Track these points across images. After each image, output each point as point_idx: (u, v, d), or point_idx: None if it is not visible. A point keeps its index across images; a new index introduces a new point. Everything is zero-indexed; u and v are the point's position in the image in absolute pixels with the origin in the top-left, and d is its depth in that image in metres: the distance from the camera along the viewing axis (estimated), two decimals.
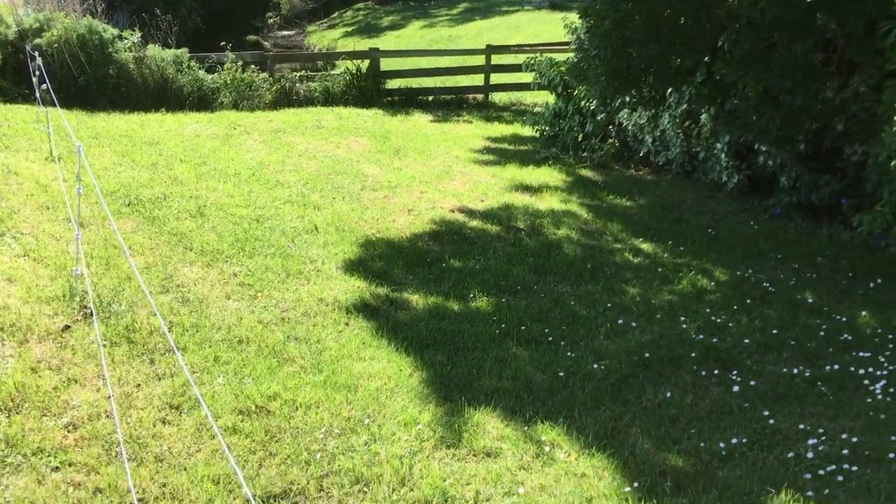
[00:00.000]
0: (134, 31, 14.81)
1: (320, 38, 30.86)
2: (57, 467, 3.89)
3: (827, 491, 4.00)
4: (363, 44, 23.60)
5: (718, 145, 9.88)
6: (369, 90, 15.40)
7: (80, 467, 3.89)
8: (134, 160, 9.87)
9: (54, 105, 11.63)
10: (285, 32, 35.03)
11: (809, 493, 3.97)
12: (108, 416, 4.33)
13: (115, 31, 14.56)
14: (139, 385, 4.69)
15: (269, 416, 4.46)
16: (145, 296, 5.89)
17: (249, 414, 4.47)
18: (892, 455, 4.28)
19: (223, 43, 15.90)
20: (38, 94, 11.98)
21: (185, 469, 3.94)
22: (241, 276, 6.52)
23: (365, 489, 3.90)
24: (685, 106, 10.26)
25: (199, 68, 14.98)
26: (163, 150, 10.54)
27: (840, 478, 4.11)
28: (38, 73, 11.99)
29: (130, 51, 14.54)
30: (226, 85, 14.82)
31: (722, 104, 9.40)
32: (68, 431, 4.17)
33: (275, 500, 3.76)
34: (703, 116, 10.01)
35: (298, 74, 15.75)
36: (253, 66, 15.34)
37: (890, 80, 7.30)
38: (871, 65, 7.94)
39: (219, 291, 6.17)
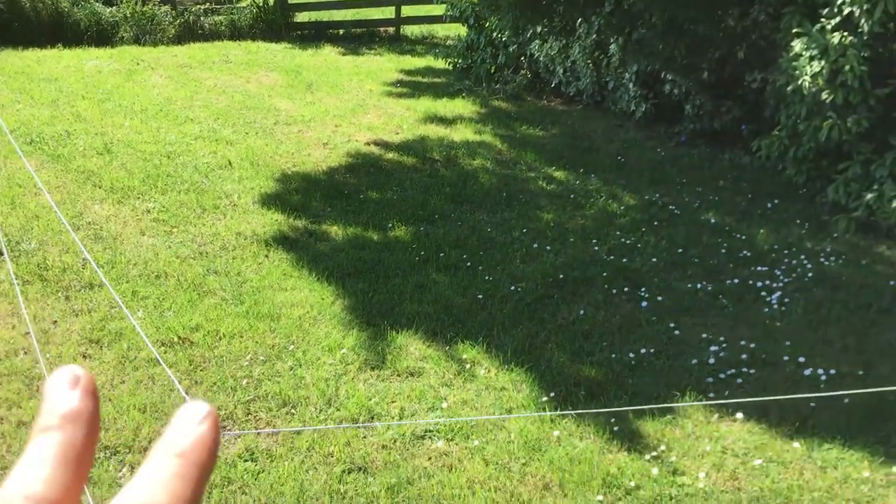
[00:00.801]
0: None
1: None
2: None
3: (727, 392, 4.30)
4: None
5: (627, 75, 10.10)
6: (278, 24, 15.01)
7: (2, 402, 3.86)
8: (33, 97, 9.45)
9: None
10: None
11: (711, 395, 4.27)
12: (25, 352, 4.28)
13: None
14: (56, 321, 4.62)
15: (192, 347, 4.48)
16: (55, 234, 5.75)
17: (172, 345, 4.48)
18: (786, 358, 4.62)
19: None
20: None
21: (110, 400, 3.95)
22: (155, 212, 6.42)
23: (293, 411, 4.00)
24: (595, 36, 10.41)
25: (97, 1, 14.30)
26: (63, 87, 10.12)
27: (739, 380, 4.43)
28: None
29: None
30: (126, 19, 14.20)
31: (630, 34, 9.59)
32: None
33: None
34: (612, 47, 10.19)
35: (203, 7, 15.20)
36: None
37: (787, 7, 7.60)
38: None
39: (132, 228, 6.07)
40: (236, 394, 4.09)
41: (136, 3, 14.23)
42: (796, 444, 3.86)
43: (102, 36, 14.00)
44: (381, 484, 3.49)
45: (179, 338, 4.55)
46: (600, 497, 3.47)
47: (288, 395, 4.09)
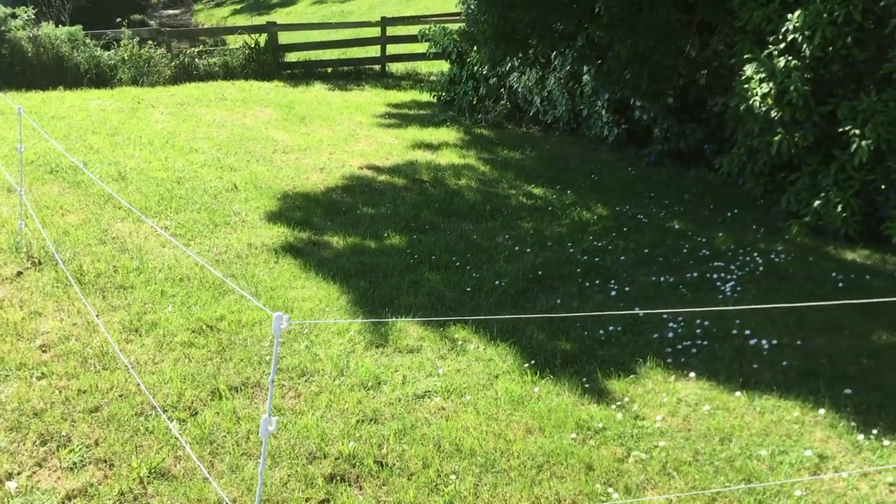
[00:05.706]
0: (27, 7, 14.75)
1: (208, 16, 30.65)
2: (41, 375, 4.46)
3: (683, 359, 4.99)
4: (253, 21, 23.76)
5: (599, 103, 10.92)
6: (269, 63, 15.82)
7: (62, 376, 4.48)
8: (46, 133, 10.12)
9: None
10: (171, 11, 34.43)
11: (669, 361, 4.94)
12: (76, 339, 4.90)
13: (7, 10, 14.47)
14: (98, 315, 5.26)
15: (219, 333, 5.12)
16: (85, 247, 6.40)
17: (202, 332, 5.12)
18: (735, 332, 5.32)
19: (119, 19, 15.98)
20: None
21: (154, 373, 4.58)
22: (172, 228, 7.08)
23: (311, 379, 4.64)
24: (569, 67, 11.25)
25: (96, 46, 15.06)
26: (72, 124, 10.81)
27: (694, 350, 5.11)
28: None
29: (24, 29, 14.52)
30: (124, 61, 14.95)
31: (601, 65, 10.42)
32: (43, 351, 4.74)
33: (236, 391, 4.46)
34: (585, 77, 11.03)
35: (197, 50, 16.01)
36: (150, 42, 15.52)
37: (739, 36, 8.44)
38: (725, 24, 9.08)
39: (154, 241, 6.73)
40: (261, 367, 4.73)
41: (133, 47, 15.00)
42: (739, 394, 4.54)
43: (102, 78, 14.74)
44: (390, 429, 4.14)
45: (207, 325, 5.19)
46: (574, 435, 4.13)
47: (306, 367, 4.74)
